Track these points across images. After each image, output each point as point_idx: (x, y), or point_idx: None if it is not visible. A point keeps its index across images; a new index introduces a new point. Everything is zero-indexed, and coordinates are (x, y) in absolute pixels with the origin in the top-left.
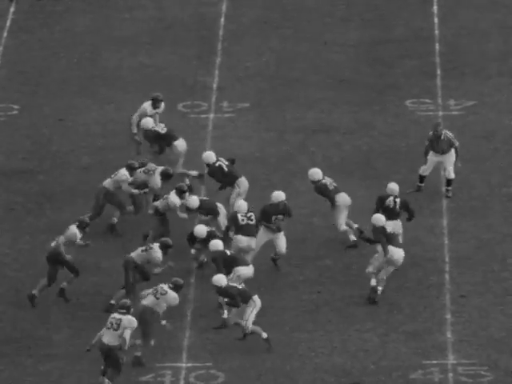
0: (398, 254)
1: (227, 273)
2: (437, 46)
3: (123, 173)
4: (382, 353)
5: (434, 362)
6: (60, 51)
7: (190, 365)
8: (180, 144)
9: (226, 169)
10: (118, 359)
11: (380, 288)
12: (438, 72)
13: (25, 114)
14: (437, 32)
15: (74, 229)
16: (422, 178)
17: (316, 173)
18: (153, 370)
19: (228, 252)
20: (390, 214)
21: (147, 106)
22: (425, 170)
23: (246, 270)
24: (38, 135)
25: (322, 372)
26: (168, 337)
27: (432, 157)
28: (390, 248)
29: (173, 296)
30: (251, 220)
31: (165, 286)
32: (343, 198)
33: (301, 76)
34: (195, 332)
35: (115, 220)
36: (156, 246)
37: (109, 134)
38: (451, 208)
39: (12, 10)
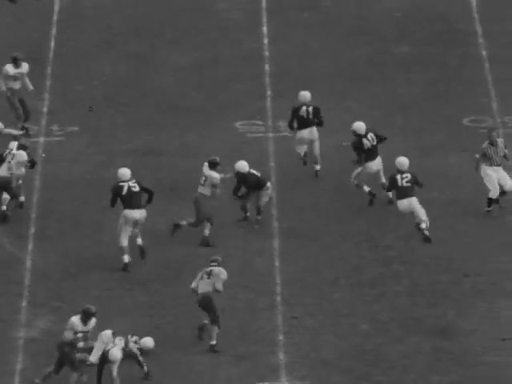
0: None
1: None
2: (267, 67)
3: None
4: (213, 375)
5: (267, 383)
6: None
7: None
8: None
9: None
10: None
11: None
12: (269, 93)
13: None
14: (267, 53)
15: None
16: (491, 201)
17: None
18: None
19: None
20: (304, 123)
21: (8, 67)
22: (495, 192)
23: None
24: None
25: None
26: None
27: (491, 172)
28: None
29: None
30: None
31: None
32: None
33: (130, 100)
34: (28, 356)
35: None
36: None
37: None
38: (282, 229)
39: None
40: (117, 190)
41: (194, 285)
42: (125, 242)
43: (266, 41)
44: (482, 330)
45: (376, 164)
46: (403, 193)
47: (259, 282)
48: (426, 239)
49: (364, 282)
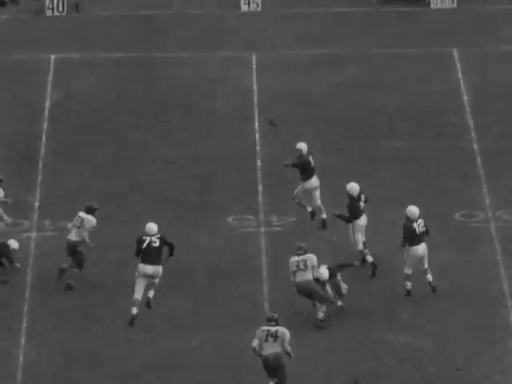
0: None
1: None
2: (258, 162)
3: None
4: None
5: None
6: None
7: None
8: None
9: None
10: None
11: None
12: (260, 188)
13: None
14: (258, 148)
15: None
16: None
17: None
18: None
19: None
20: (312, 172)
21: None
22: None
23: None
24: None
25: None
26: None
27: None
28: None
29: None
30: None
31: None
32: None
33: (122, 192)
34: None
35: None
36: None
37: None
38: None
39: None
40: (139, 242)
41: (254, 344)
42: (137, 294)
43: (257, 135)
44: None
45: (362, 220)
46: (419, 239)
47: (250, 374)
48: (433, 289)
49: (356, 376)
